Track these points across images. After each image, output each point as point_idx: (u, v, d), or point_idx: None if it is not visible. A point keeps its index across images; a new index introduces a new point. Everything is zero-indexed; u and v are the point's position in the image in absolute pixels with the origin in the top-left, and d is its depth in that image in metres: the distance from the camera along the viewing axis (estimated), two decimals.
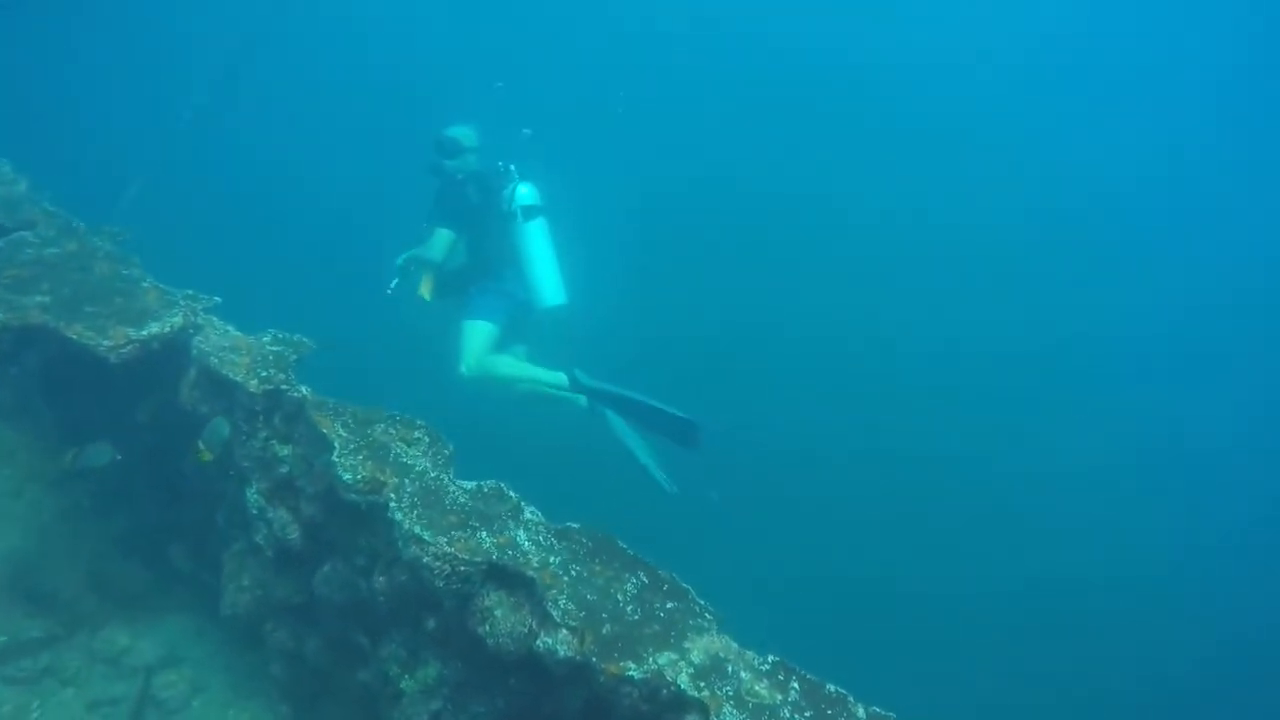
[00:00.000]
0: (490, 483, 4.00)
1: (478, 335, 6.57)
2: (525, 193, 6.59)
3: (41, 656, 4.83)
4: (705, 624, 3.42)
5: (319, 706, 4.89)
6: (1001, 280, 16.10)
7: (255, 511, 4.43)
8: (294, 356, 4.60)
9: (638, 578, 3.60)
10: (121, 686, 4.90)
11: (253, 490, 4.43)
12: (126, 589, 5.26)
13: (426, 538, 3.55)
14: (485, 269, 6.71)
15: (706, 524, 7.99)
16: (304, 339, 4.79)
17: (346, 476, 3.82)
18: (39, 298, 4.60)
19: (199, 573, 5.25)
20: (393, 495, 3.76)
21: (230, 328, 4.79)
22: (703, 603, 3.53)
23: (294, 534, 4.33)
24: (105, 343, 4.42)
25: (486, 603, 3.53)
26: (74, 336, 4.39)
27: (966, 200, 17.25)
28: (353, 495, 3.83)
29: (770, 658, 3.31)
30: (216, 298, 4.93)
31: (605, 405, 6.46)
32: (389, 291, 6.62)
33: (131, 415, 4.99)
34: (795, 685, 3.20)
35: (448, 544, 3.54)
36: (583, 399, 6.61)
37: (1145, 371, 15.68)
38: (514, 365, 6.64)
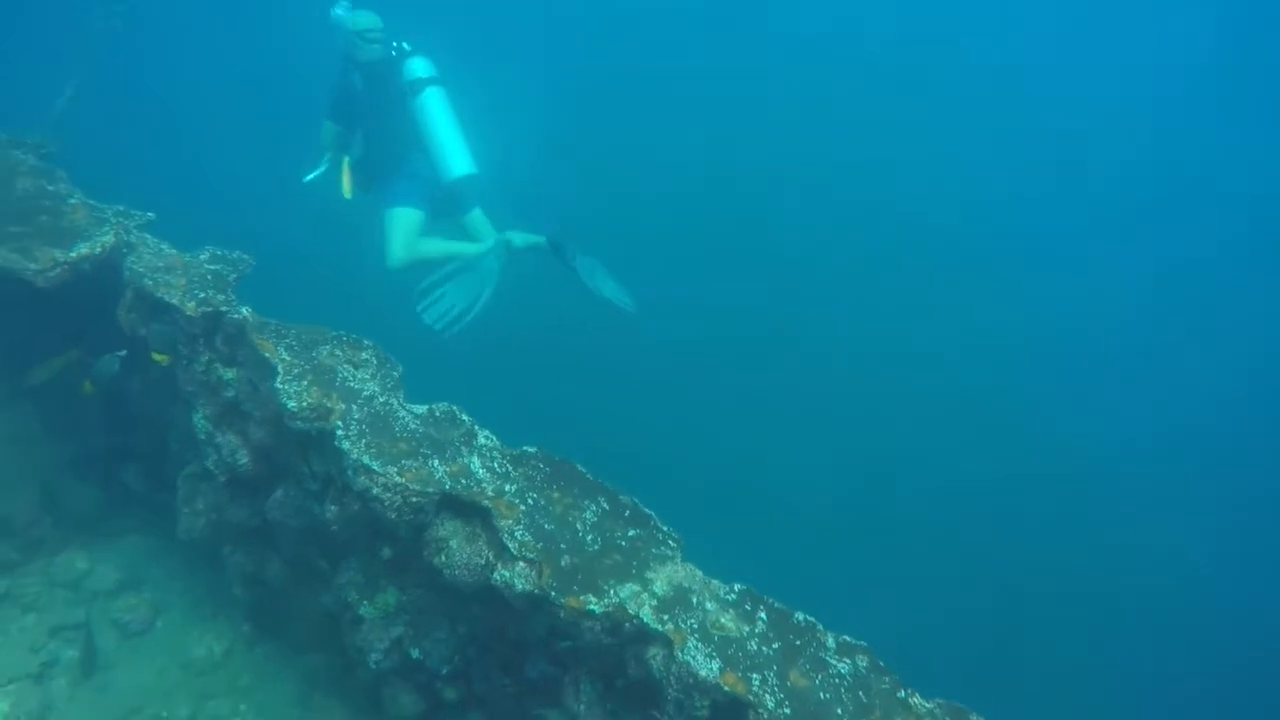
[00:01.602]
0: (442, 406, 3.82)
1: (398, 223, 6.18)
2: (416, 65, 6.15)
3: None
4: (669, 552, 3.30)
5: (283, 626, 4.84)
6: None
7: (203, 437, 4.24)
8: (234, 275, 4.32)
9: (598, 504, 3.46)
10: (83, 611, 4.81)
11: (199, 415, 4.24)
12: (82, 512, 5.12)
13: (376, 468, 3.39)
14: (389, 156, 6.31)
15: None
16: (244, 256, 4.50)
17: (291, 405, 3.63)
18: None
19: (154, 493, 5.11)
20: (339, 423, 3.57)
21: (165, 246, 4.48)
22: (666, 529, 3.39)
23: (244, 459, 4.16)
24: (32, 266, 4.14)
25: (441, 533, 3.40)
26: None
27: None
28: (298, 423, 3.65)
29: (737, 586, 3.19)
30: (150, 214, 4.61)
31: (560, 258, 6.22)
32: (305, 181, 6.33)
33: (74, 339, 4.75)
34: (763, 615, 3.10)
35: (398, 474, 3.38)
36: (531, 244, 6.40)
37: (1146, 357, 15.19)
38: (442, 245, 6.28)
